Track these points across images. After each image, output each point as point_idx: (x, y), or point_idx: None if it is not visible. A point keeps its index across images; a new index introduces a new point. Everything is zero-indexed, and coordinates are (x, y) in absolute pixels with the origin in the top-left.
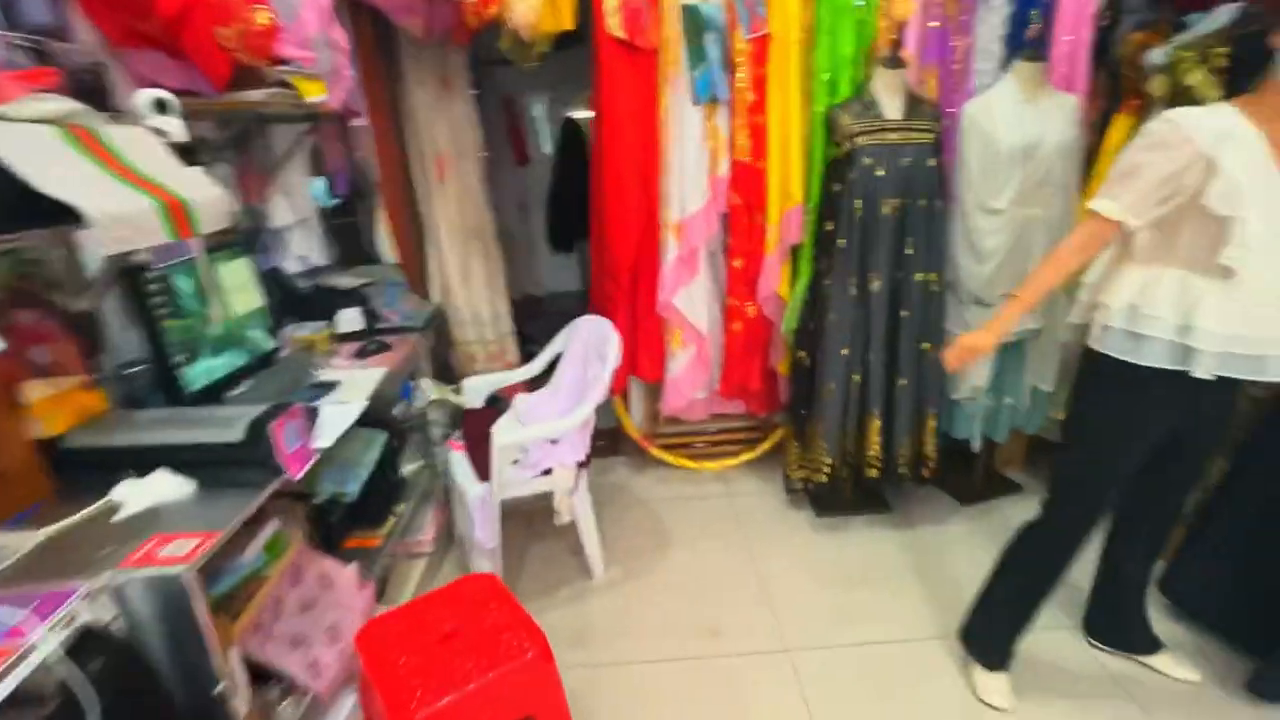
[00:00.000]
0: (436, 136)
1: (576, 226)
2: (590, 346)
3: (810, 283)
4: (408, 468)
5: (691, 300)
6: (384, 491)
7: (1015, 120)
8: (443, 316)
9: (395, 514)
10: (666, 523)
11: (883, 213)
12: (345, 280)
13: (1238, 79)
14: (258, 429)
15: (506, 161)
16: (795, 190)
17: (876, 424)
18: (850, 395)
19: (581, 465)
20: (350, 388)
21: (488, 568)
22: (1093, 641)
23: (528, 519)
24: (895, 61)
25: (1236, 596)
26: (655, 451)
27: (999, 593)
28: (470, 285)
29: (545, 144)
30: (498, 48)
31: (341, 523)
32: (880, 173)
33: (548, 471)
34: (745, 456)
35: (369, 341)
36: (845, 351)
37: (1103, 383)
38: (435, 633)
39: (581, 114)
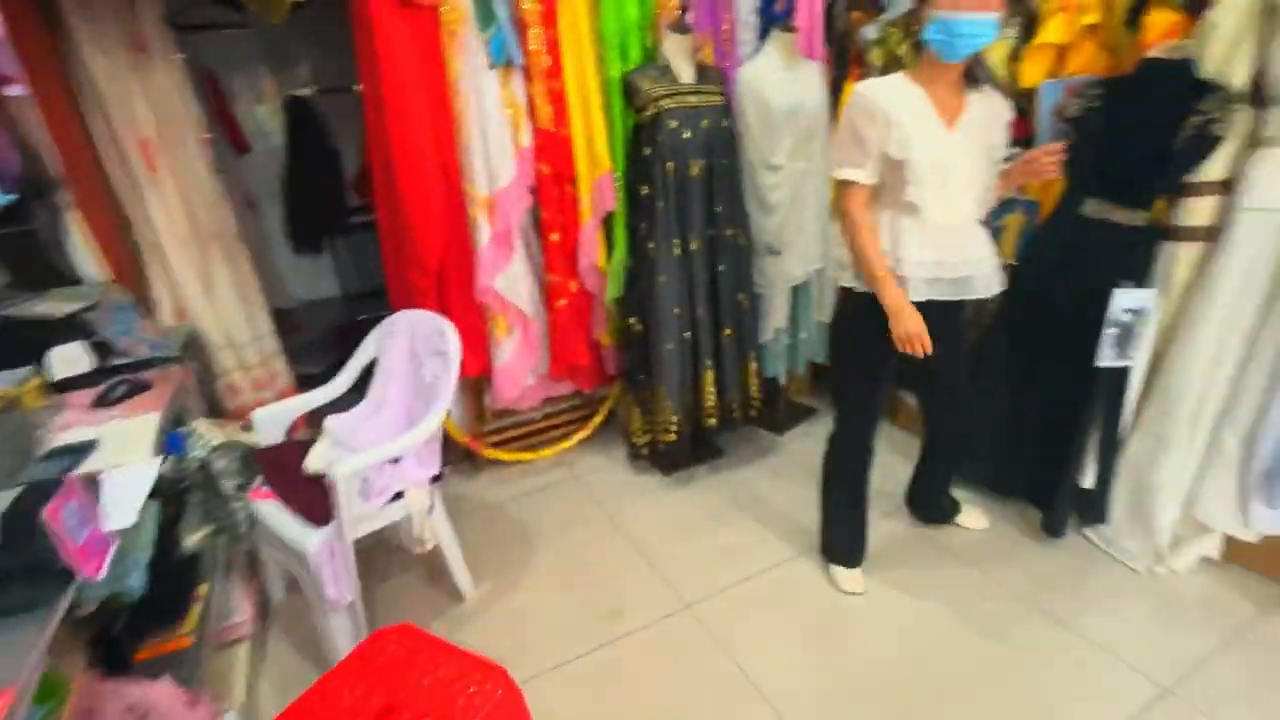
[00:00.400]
0: (135, 115)
1: (325, 221)
2: (419, 344)
3: (631, 248)
4: (193, 538)
5: (512, 282)
6: (174, 576)
7: (780, 84)
8: (199, 341)
9: (198, 599)
10: (522, 521)
11: (691, 174)
12: (45, 308)
13: None
14: (20, 521)
15: (223, 151)
16: (603, 156)
17: (710, 375)
18: (684, 352)
19: (435, 480)
20: (116, 445)
21: (347, 629)
22: (915, 517)
23: (364, 559)
24: (683, 27)
25: (1012, 463)
26: (488, 451)
27: (831, 501)
28: (216, 301)
29: (268, 129)
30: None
31: (130, 631)
32: (686, 135)
33: (397, 497)
34: (580, 435)
35: (112, 383)
36: (677, 311)
37: (847, 310)
38: (366, 713)
39: (305, 91)
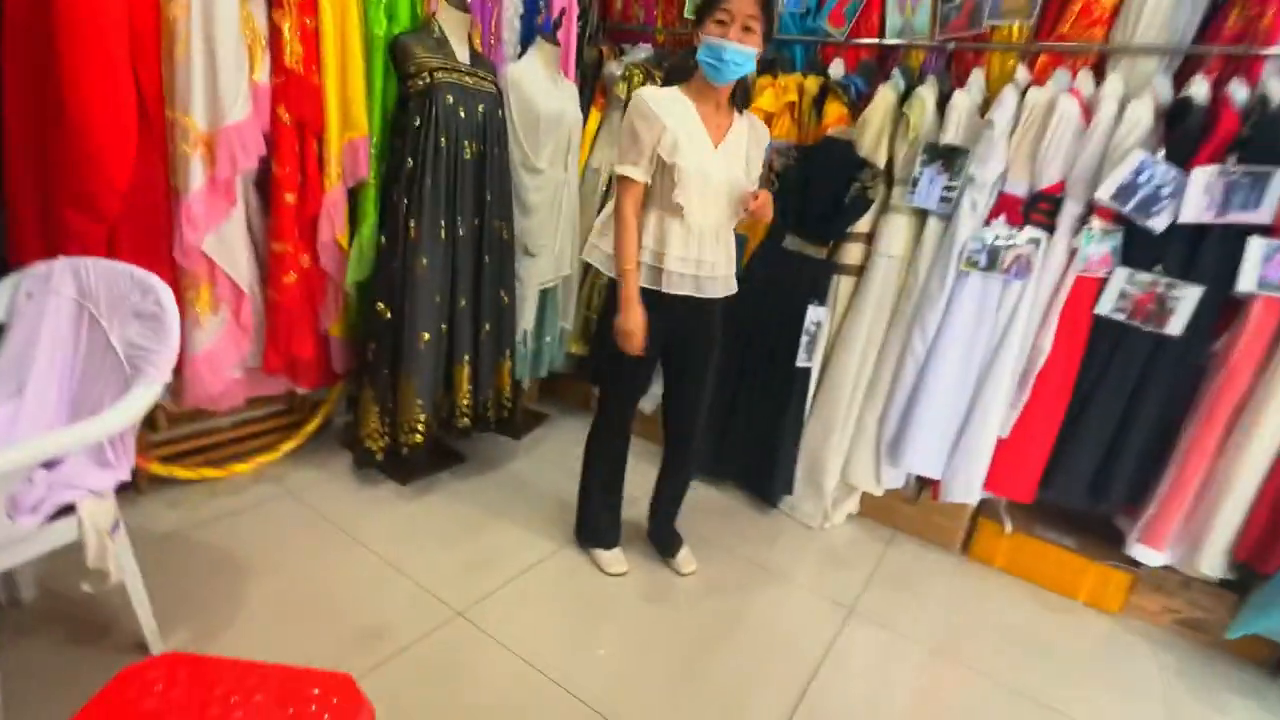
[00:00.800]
0: None
1: None
2: (102, 304)
3: (384, 226)
4: None
5: (228, 245)
6: None
7: (545, 91)
8: None
9: None
10: (223, 550)
11: (465, 156)
12: None
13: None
14: None
15: None
16: (359, 118)
17: (466, 372)
18: (440, 345)
19: (124, 488)
20: None
21: None
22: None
23: None
24: (463, 4)
25: (726, 452)
26: (157, 467)
27: (590, 487)
28: None
29: None
30: None
31: None
32: (462, 113)
33: (64, 513)
34: (287, 446)
35: None
36: (438, 299)
37: (614, 300)
38: None
39: None
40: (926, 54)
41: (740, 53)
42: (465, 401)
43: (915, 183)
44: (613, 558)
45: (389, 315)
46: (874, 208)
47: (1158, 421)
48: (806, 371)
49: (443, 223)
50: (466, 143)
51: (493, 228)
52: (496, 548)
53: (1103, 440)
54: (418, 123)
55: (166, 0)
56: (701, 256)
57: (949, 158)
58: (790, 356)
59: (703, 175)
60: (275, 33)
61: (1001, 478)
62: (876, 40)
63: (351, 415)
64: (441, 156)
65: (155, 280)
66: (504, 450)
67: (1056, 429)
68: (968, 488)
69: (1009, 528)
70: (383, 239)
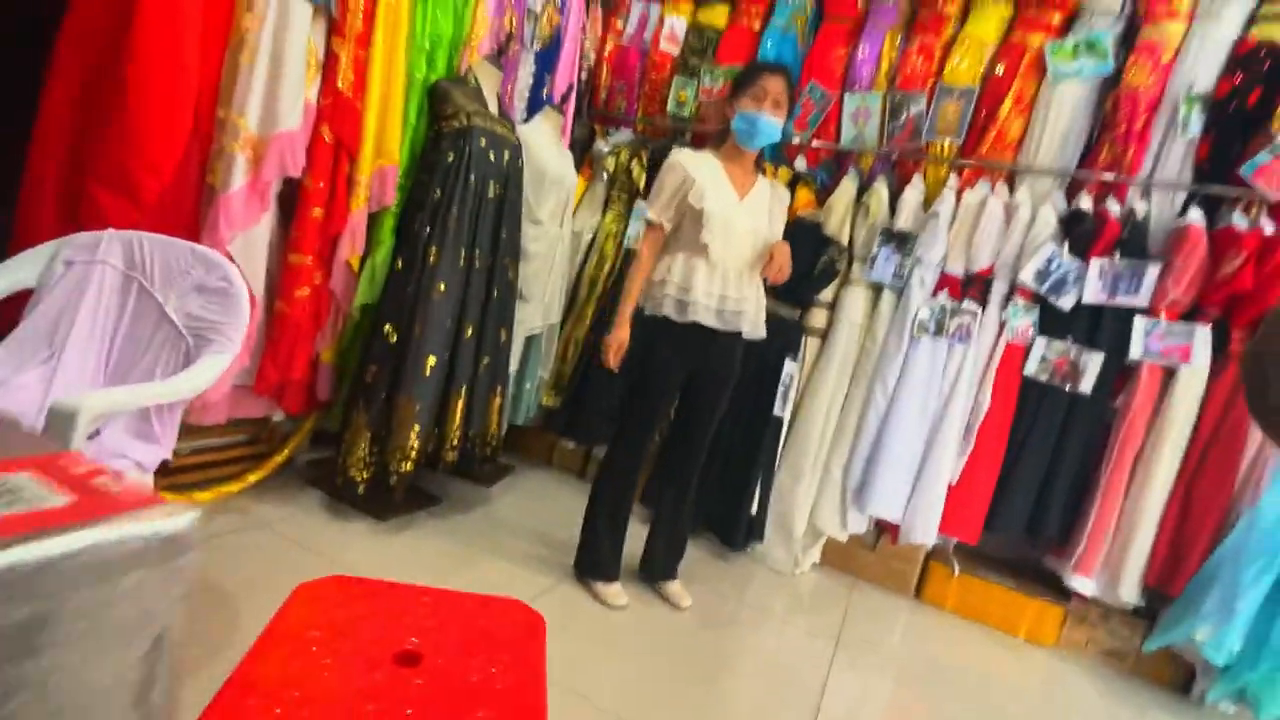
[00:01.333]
0: None
1: None
2: (157, 277)
3: (401, 252)
4: None
5: (251, 249)
6: None
7: (550, 152)
8: None
9: None
10: (208, 575)
11: (490, 195)
12: None
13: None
14: None
15: None
16: (392, 148)
17: (461, 403)
18: (443, 371)
19: (161, 470)
20: None
21: None
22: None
23: None
24: (498, 63)
25: (699, 501)
26: None
27: (596, 519)
28: None
29: None
30: None
31: None
32: (491, 157)
33: None
34: (253, 477)
35: None
36: (449, 325)
37: (641, 333)
38: (380, 662)
39: None
40: (875, 159)
41: (771, 124)
42: (455, 434)
43: (873, 260)
44: (614, 591)
45: (395, 339)
46: (837, 280)
47: (1078, 466)
48: (780, 421)
49: (463, 251)
50: (492, 183)
51: (503, 265)
52: (492, 582)
53: (1035, 484)
54: (450, 158)
55: (243, 9)
56: (726, 292)
57: (901, 241)
58: (762, 407)
59: (726, 219)
60: (332, 58)
61: (952, 520)
62: (834, 144)
63: (318, 453)
64: (470, 191)
65: (220, 257)
66: (477, 496)
67: (997, 475)
68: (925, 529)
69: (957, 570)
70: (399, 263)
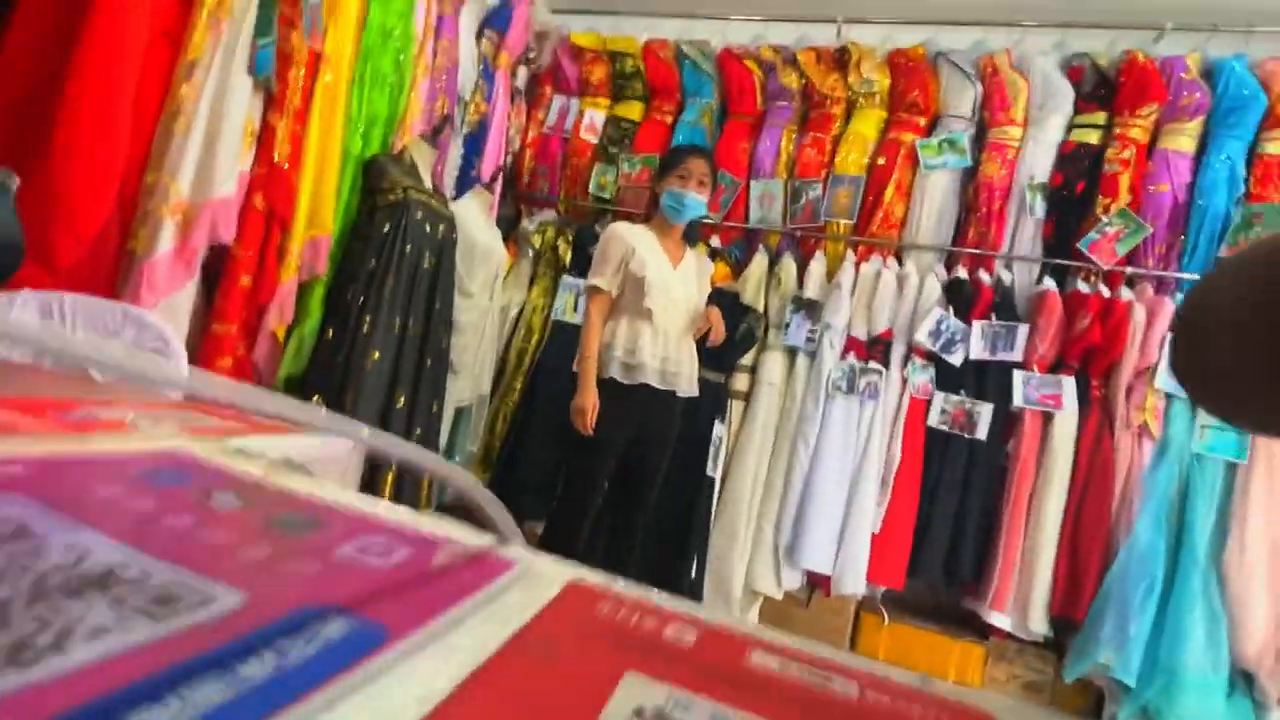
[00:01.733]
0: None
1: None
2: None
3: (333, 323)
4: None
5: (173, 319)
6: None
7: (480, 227)
8: None
9: None
10: None
11: (424, 266)
12: None
13: (583, 245)
14: None
15: None
16: (326, 218)
17: (390, 476)
18: None
19: None
20: None
21: None
22: None
23: None
24: (434, 142)
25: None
26: None
27: None
28: None
29: None
30: None
31: None
32: (427, 229)
33: None
34: None
35: None
36: (382, 394)
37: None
38: None
39: None
40: (781, 237)
41: (697, 200)
42: None
43: (787, 327)
44: None
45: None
46: (756, 345)
47: (983, 508)
48: (712, 481)
49: (397, 320)
50: (426, 254)
51: (437, 334)
52: None
53: (948, 527)
54: (386, 229)
55: (181, 79)
56: (668, 354)
57: (810, 308)
58: (694, 469)
59: (664, 286)
60: (268, 130)
61: (878, 568)
62: (744, 224)
63: None
64: (405, 261)
65: (155, 318)
66: None
67: (914, 521)
68: (855, 579)
69: (886, 619)
70: (329, 333)
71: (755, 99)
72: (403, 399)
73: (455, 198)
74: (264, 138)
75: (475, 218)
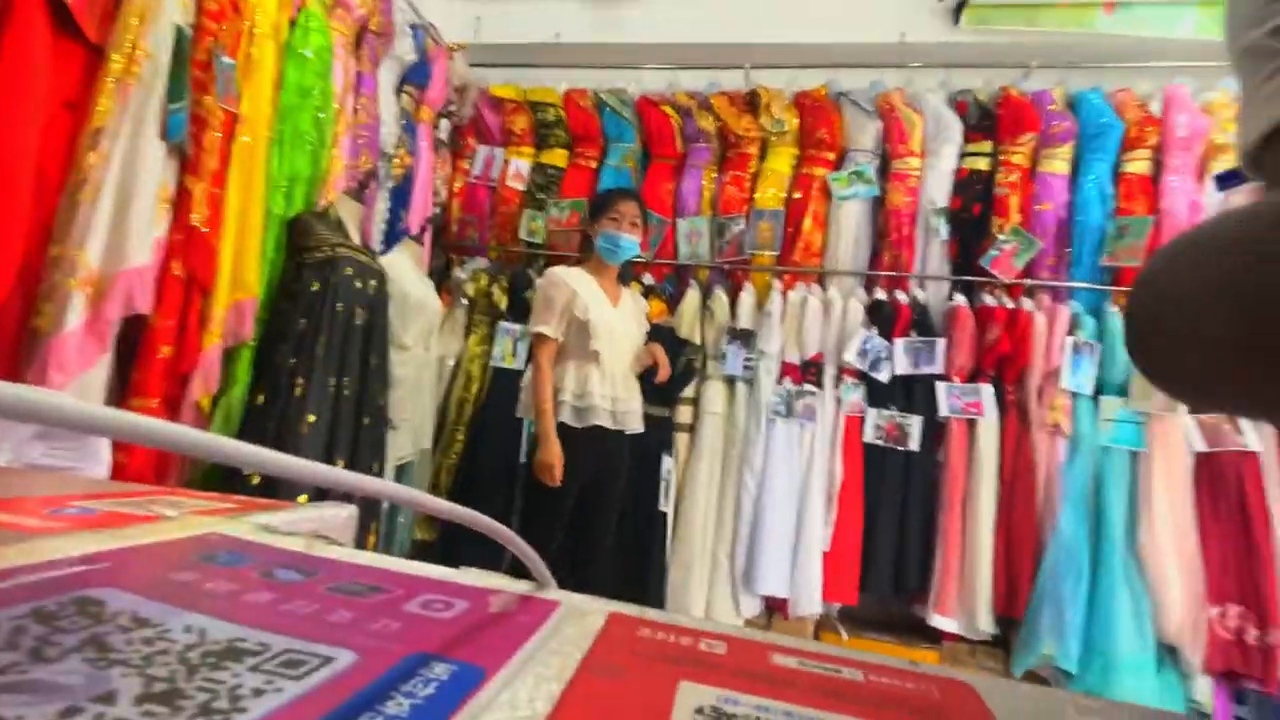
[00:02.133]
0: None
1: None
2: None
3: (264, 387)
4: None
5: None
6: None
7: (412, 280)
8: None
9: None
10: None
11: (356, 322)
12: None
13: (518, 290)
14: None
15: None
16: (251, 280)
17: (374, 531)
18: None
19: None
20: None
21: None
22: None
23: None
24: (360, 198)
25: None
26: None
27: None
28: None
29: None
30: None
31: None
32: (359, 285)
33: None
34: None
35: None
36: (320, 457)
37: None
38: None
39: None
40: (710, 271)
41: (631, 241)
42: None
43: (724, 357)
44: None
45: (257, 479)
46: (697, 377)
47: (923, 516)
48: (665, 516)
49: (332, 380)
50: (359, 310)
51: (373, 392)
52: None
53: (892, 539)
54: (315, 287)
55: (86, 149)
56: (616, 394)
57: (744, 338)
58: (647, 504)
59: (609, 327)
60: (184, 194)
61: (831, 587)
62: (674, 261)
63: None
64: (337, 320)
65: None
66: None
67: (861, 537)
68: (810, 599)
69: (845, 636)
70: (259, 398)
71: (675, 142)
72: (341, 462)
73: (384, 251)
74: (180, 202)
75: (406, 270)
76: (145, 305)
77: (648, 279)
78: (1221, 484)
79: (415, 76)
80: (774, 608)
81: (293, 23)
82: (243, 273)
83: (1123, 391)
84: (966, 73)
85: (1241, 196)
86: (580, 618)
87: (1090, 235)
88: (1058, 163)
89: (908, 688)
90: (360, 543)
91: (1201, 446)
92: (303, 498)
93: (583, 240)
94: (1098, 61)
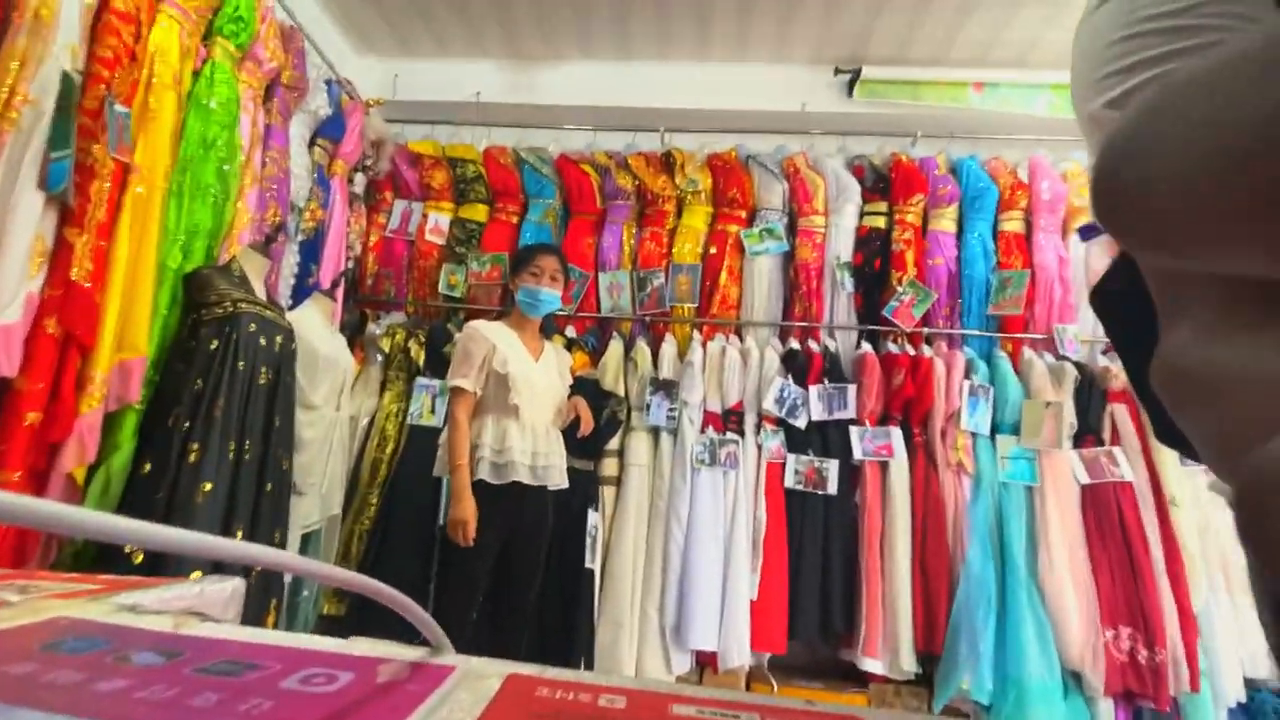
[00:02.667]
0: None
1: None
2: None
3: (150, 454)
4: None
5: None
6: None
7: (322, 336)
8: None
9: None
10: None
11: (260, 382)
12: None
13: (436, 345)
14: None
15: None
16: (139, 339)
17: (272, 607)
18: None
19: None
20: None
21: None
22: None
23: None
24: (265, 251)
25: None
26: None
27: None
28: None
29: None
30: None
31: None
32: (263, 341)
33: None
34: None
35: None
36: (216, 529)
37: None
38: None
39: None
40: (632, 323)
41: (551, 295)
42: None
43: (648, 407)
44: None
45: (141, 557)
46: (621, 429)
47: (845, 559)
48: (592, 573)
49: (231, 444)
50: (263, 369)
51: (276, 456)
52: None
53: (816, 582)
54: (214, 345)
55: None
56: (537, 449)
57: (667, 388)
58: (572, 561)
59: (529, 380)
60: (64, 247)
61: (760, 636)
62: (596, 314)
63: None
64: (238, 379)
65: None
66: None
67: (786, 583)
68: (740, 651)
69: (775, 687)
70: (145, 467)
71: (595, 199)
72: (240, 533)
73: (293, 307)
74: (59, 255)
75: (316, 326)
76: (11, 368)
77: (570, 332)
78: (1105, 512)
79: (329, 131)
80: (705, 662)
81: (197, 73)
82: (130, 330)
83: (1016, 430)
84: (861, 140)
85: (1099, 246)
86: (476, 681)
87: (977, 287)
88: (945, 221)
89: None
90: (258, 623)
91: (1085, 479)
92: (195, 574)
93: (504, 294)
94: (972, 132)
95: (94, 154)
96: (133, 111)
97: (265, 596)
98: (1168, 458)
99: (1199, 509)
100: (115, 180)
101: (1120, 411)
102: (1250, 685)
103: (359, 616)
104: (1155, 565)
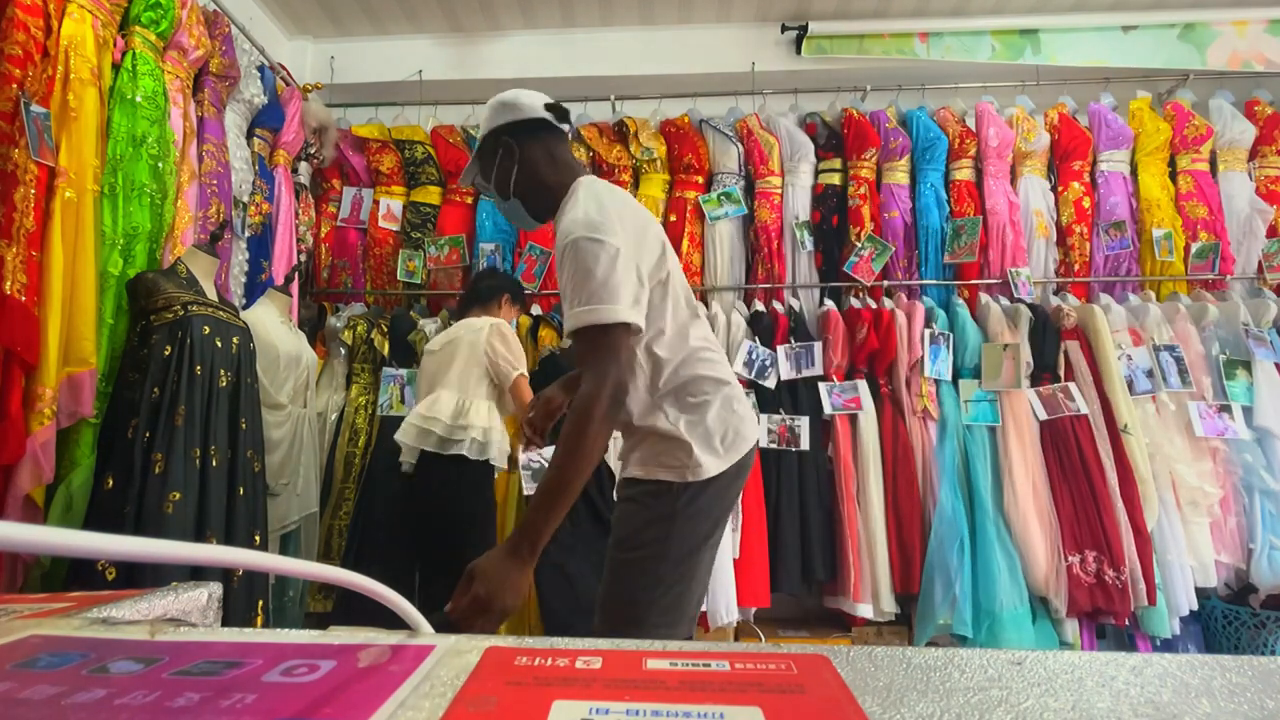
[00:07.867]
0: None
1: None
2: None
3: (111, 468)
4: None
5: None
6: None
7: (282, 334)
8: None
9: None
10: None
11: (220, 385)
12: None
13: (400, 333)
14: None
15: None
16: (85, 352)
17: (260, 607)
18: None
19: None
20: None
21: None
22: None
23: None
24: (212, 250)
25: None
26: None
27: None
28: None
29: None
30: None
31: None
32: (219, 343)
33: None
34: None
35: None
36: (189, 539)
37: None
38: None
39: None
40: None
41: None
42: None
43: None
44: None
45: (114, 573)
46: None
47: (823, 511)
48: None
49: (197, 451)
50: (222, 371)
51: (246, 458)
52: None
53: (796, 536)
54: (168, 351)
55: None
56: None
57: None
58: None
59: None
60: (2, 261)
61: (745, 592)
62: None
63: None
64: (196, 384)
65: None
66: None
67: (766, 540)
68: (728, 609)
69: (763, 639)
70: (108, 482)
71: None
72: (215, 539)
73: (246, 306)
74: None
75: (273, 323)
76: None
77: (537, 309)
78: (1064, 445)
79: (267, 119)
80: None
81: (117, 66)
82: (76, 342)
83: (977, 374)
84: (813, 97)
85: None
86: (456, 657)
87: (933, 237)
88: (899, 174)
89: (769, 669)
90: (246, 626)
91: (1043, 415)
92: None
93: (464, 276)
94: (920, 83)
95: (14, 159)
96: (51, 111)
97: (251, 600)
98: (1118, 388)
99: (1149, 434)
100: (40, 186)
101: (1073, 348)
102: (1201, 594)
103: (346, 609)
104: (1112, 491)
